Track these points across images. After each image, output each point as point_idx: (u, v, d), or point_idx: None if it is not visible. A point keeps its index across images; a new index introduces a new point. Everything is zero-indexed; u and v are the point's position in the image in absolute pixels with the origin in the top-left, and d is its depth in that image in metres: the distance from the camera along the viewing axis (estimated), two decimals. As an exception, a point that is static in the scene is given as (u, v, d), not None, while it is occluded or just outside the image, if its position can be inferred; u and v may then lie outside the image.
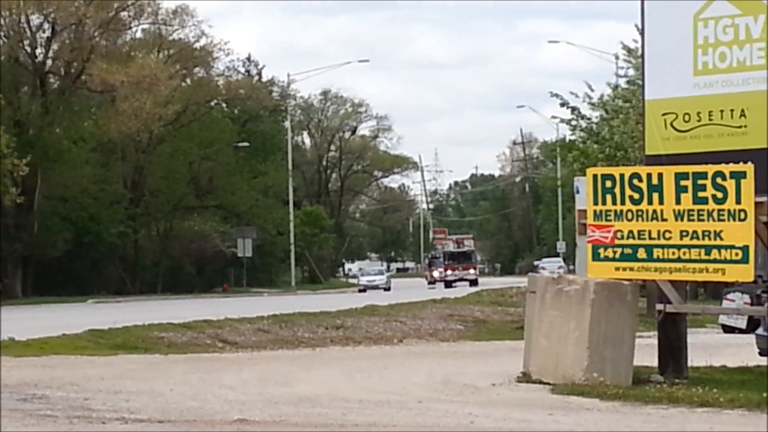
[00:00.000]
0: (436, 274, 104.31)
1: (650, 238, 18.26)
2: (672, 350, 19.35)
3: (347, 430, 13.23)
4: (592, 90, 47.35)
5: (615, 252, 18.62)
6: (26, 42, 74.49)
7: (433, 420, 14.33)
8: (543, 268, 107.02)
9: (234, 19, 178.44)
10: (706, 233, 17.68)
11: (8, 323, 31.56)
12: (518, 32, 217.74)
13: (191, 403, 15.86)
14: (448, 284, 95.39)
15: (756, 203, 17.40)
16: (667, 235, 18.07)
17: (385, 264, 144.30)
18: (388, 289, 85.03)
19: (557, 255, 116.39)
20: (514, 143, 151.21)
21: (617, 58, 52.83)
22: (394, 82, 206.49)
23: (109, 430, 13.08)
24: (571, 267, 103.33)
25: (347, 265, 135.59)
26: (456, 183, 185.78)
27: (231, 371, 20.88)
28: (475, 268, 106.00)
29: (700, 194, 17.70)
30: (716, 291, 30.30)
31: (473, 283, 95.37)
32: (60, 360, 22.21)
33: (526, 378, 18.95)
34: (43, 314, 42.18)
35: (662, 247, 18.15)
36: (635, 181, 18.45)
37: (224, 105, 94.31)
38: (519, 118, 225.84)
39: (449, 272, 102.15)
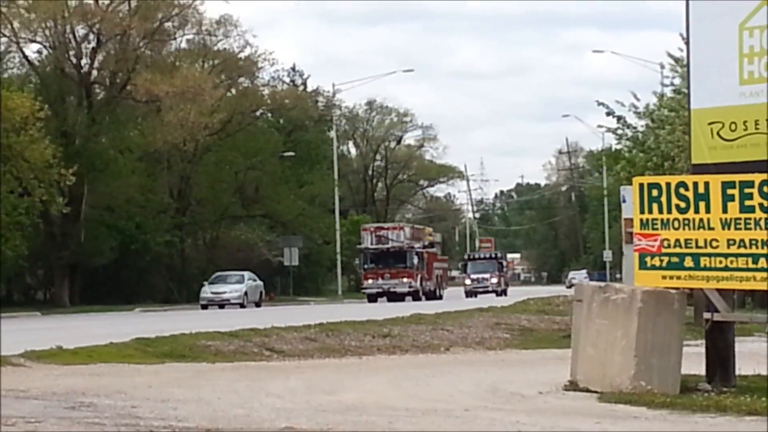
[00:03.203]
0: (468, 282, 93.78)
1: (697, 246, 18.22)
2: (719, 359, 19.28)
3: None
4: (638, 99, 47.23)
5: (662, 260, 18.58)
6: (72, 53, 74.86)
7: (480, 428, 14.35)
8: (573, 280, 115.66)
9: (275, 29, 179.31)
10: (753, 242, 17.63)
11: (56, 332, 31.77)
12: (558, 41, 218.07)
13: (238, 411, 15.93)
14: (469, 294, 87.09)
15: (804, 212, 17.37)
16: (714, 243, 18.03)
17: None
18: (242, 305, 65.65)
19: (584, 268, 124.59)
20: (560, 152, 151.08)
21: (662, 67, 52.74)
22: (436, 91, 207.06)
23: (157, 437, 13.16)
24: (584, 277, 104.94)
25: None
26: (501, 192, 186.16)
27: (278, 379, 20.91)
28: (501, 277, 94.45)
29: (747, 203, 17.66)
30: (764, 299, 30.19)
31: (499, 293, 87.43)
32: (107, 368, 22.27)
33: (573, 386, 18.93)
34: (90, 323, 42.36)
35: (709, 255, 18.10)
36: (681, 190, 18.41)
37: (269, 115, 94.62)
38: (562, 128, 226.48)
39: (470, 282, 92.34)
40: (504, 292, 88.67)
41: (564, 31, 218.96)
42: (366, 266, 75.05)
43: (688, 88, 20.02)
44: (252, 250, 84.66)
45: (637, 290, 18.69)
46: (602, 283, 21.71)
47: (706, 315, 19.30)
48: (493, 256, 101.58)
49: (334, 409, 16.17)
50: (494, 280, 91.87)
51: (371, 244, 75.05)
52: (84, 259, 71.17)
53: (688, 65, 20.46)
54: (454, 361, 26.49)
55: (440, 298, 75.94)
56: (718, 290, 18.79)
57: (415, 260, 74.65)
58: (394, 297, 71.11)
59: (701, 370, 19.21)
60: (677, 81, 44.72)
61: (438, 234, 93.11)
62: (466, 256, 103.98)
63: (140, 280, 74.79)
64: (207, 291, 65.32)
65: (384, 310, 46.35)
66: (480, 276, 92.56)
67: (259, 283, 69.56)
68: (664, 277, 18.58)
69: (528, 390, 19.00)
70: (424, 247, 78.85)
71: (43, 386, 18.71)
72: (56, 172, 59.05)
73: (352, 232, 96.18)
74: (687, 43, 20.12)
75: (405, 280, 72.70)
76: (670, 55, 47.15)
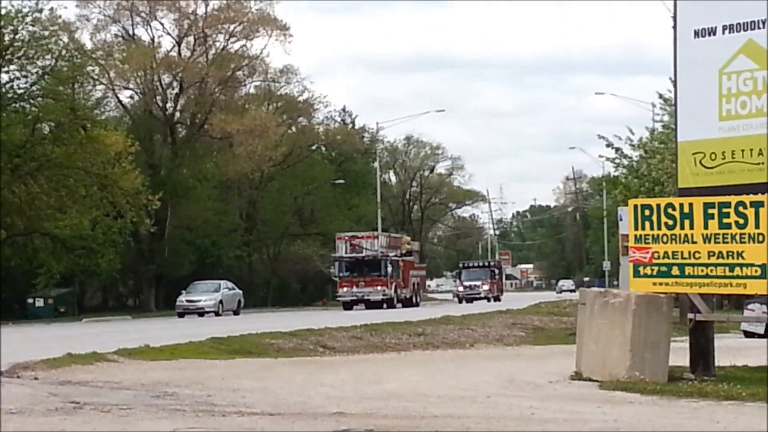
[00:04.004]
0: (460, 289, 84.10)
1: (682, 257, 18.15)
2: (701, 353, 19.18)
3: (427, 421, 13.22)
4: (633, 133, 47.24)
5: (653, 270, 18.50)
6: (158, 98, 75.38)
7: (500, 411, 14.29)
8: (564, 287, 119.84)
9: (329, 76, 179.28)
10: (730, 253, 17.55)
11: (143, 333, 31.84)
12: (567, 85, 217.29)
13: (297, 398, 15.90)
14: (462, 300, 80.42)
15: (774, 228, 17.26)
16: (697, 255, 17.95)
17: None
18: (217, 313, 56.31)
19: (570, 278, 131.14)
20: (567, 179, 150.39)
21: (654, 106, 52.51)
22: (463, 128, 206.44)
23: (228, 422, 13.15)
24: (571, 285, 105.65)
25: (427, 282, 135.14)
26: (518, 212, 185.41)
27: (330, 372, 20.89)
28: (494, 284, 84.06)
29: (725, 220, 17.58)
30: (738, 302, 29.99)
31: (490, 300, 78.12)
32: (187, 363, 22.31)
33: (578, 376, 18.84)
34: (173, 325, 42.45)
35: (692, 265, 18.03)
36: (670, 210, 18.36)
37: (323, 148, 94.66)
38: (570, 158, 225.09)
39: (463, 289, 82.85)
40: (497, 299, 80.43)
41: (571, 76, 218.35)
42: (341, 274, 65.27)
43: (676, 124, 19.94)
44: (308, 263, 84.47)
45: (631, 295, 18.61)
46: (602, 289, 21.60)
47: (690, 315, 19.22)
48: (487, 264, 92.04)
49: (377, 397, 16.12)
50: (486, 287, 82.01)
51: (345, 252, 65.85)
52: (167, 271, 71.47)
53: (675, 104, 20.36)
54: (477, 355, 26.43)
55: (417, 305, 67.26)
56: (700, 294, 18.73)
57: (390, 268, 64.76)
58: (371, 304, 62.23)
59: (686, 362, 19.11)
60: (666, 118, 44.64)
61: (416, 243, 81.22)
62: (460, 264, 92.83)
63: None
64: (183, 300, 56.93)
65: (367, 315, 46.06)
66: (473, 283, 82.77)
67: (237, 291, 60.95)
68: (654, 284, 18.51)
69: (540, 380, 18.92)
70: (401, 255, 68.79)
71: (133, 378, 18.77)
72: (145, 198, 59.21)
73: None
74: (675, 86, 20.05)
75: (379, 288, 63.21)
76: (661, 96, 47.09)
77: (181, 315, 55.08)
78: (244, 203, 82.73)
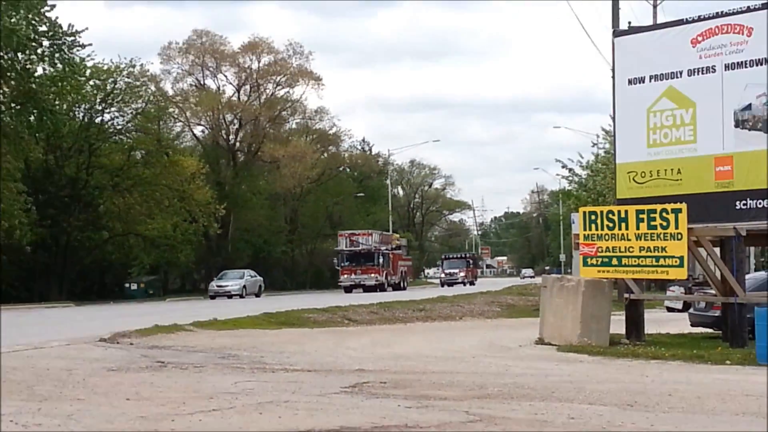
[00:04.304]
0: (442, 275, 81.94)
1: (620, 251, 18.16)
2: (634, 323, 19.20)
3: (427, 375, 13.25)
4: (582, 157, 47.82)
5: (597, 261, 18.52)
6: (223, 132, 75.48)
7: (481, 368, 14.31)
8: (526, 274, 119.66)
9: (352, 115, 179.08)
10: (656, 248, 17.56)
11: (212, 309, 31.94)
12: (532, 120, 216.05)
13: (328, 358, 15.95)
14: (444, 284, 76.46)
15: (688, 229, 17.26)
16: (631, 249, 17.96)
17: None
18: (241, 296, 53.07)
19: (531, 268, 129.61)
20: (532, 192, 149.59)
21: (598, 136, 52.42)
22: (454, 153, 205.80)
23: (276, 376, 13.19)
24: (531, 273, 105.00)
25: (426, 271, 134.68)
26: (495, 217, 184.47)
27: (353, 338, 20.96)
28: (469, 272, 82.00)
29: (652, 223, 17.60)
30: (663, 285, 29.95)
31: (466, 284, 76.11)
32: (245, 332, 22.40)
33: (541, 342, 18.88)
34: (235, 304, 42.57)
35: (627, 257, 18.05)
36: (610, 216, 18.38)
37: (348, 170, 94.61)
38: (534, 176, 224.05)
39: (445, 275, 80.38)
40: (472, 283, 77.35)
41: (535, 114, 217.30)
42: (342, 264, 61.87)
43: (614, 150, 19.97)
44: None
45: (581, 280, 18.64)
46: (559, 276, 21.65)
47: (626, 295, 19.29)
48: (464, 256, 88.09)
49: (388, 357, 16.16)
50: (462, 274, 79.63)
51: (345, 246, 62.38)
52: (230, 263, 71.34)
53: (614, 135, 20.39)
54: (465, 326, 26.47)
55: (404, 289, 63.65)
56: (634, 279, 18.76)
57: (381, 259, 61.83)
58: (366, 289, 59.57)
59: (623, 331, 19.15)
60: (607, 146, 44.54)
61: (404, 239, 75.86)
62: (443, 256, 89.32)
63: (266, 276, 75.04)
64: (213, 285, 55.02)
65: (364, 297, 46.03)
66: (452, 271, 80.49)
67: (258, 278, 57.85)
68: (599, 271, 18.53)
69: (512, 344, 18.94)
70: (392, 249, 65.64)
71: (204, 344, 18.84)
72: (213, 207, 59.48)
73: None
74: (614, 121, 20.11)
75: (372, 275, 60.51)
76: (603, 129, 46.98)
77: (212, 297, 52.50)
78: (288, 211, 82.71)
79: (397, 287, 63.46)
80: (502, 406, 9.98)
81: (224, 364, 14.83)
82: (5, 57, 42.90)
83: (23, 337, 19.67)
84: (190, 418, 9.16)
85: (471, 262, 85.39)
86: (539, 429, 8.58)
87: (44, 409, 9.77)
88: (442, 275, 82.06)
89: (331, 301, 36.34)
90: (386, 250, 64.10)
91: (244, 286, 54.42)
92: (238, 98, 76.16)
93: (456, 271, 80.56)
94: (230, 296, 52.38)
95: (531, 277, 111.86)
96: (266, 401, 10.32)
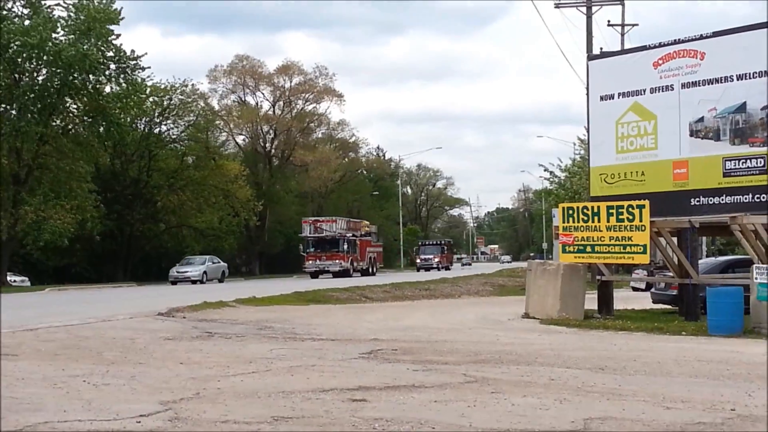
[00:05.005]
0: (418, 261, 73.07)
1: (593, 240, 18.13)
2: (605, 300, 19.19)
3: (431, 344, 13.27)
4: (561, 162, 47.61)
5: (574, 248, 18.50)
6: (260, 140, 75.43)
7: (477, 337, 14.33)
8: (504, 260, 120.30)
9: (369, 126, 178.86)
10: (623, 238, 17.54)
11: (252, 289, 31.96)
12: (519, 130, 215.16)
13: (348, 330, 15.99)
14: (419, 269, 68.92)
15: (650, 221, 17.22)
16: (602, 239, 17.93)
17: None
18: (203, 281, 44.74)
19: (509, 254, 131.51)
20: (519, 191, 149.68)
21: (574, 144, 52.46)
22: (454, 158, 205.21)
23: (305, 345, 13.23)
24: (510, 258, 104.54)
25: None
26: (488, 212, 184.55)
27: (369, 313, 21.00)
28: (443, 257, 73.00)
29: (620, 217, 17.56)
30: (629, 269, 29.89)
31: (441, 269, 68.57)
32: (278, 308, 22.49)
33: (526, 316, 18.88)
34: (270, 284, 42.66)
35: (599, 245, 18.02)
36: (585, 210, 18.35)
37: (365, 172, 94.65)
38: (521, 178, 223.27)
39: (420, 261, 71.94)
40: (447, 268, 69.74)
41: (521, 125, 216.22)
42: (307, 250, 52.72)
43: (588, 155, 19.92)
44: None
45: (561, 264, 18.61)
46: (542, 261, 21.62)
47: (598, 277, 19.25)
48: (439, 242, 78.11)
49: (398, 329, 16.19)
50: (437, 260, 71.04)
51: (309, 233, 53.29)
52: (267, 249, 71.65)
53: (588, 143, 20.34)
54: (463, 303, 26.48)
55: (373, 274, 55.53)
56: (605, 264, 18.73)
57: (346, 246, 52.75)
58: (334, 274, 50.98)
59: (595, 307, 19.11)
60: (582, 152, 44.46)
61: (374, 226, 65.17)
62: (420, 242, 79.54)
63: (297, 260, 75.23)
64: (173, 271, 45.64)
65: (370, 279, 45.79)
66: (427, 257, 71.92)
67: (222, 264, 49.16)
68: (575, 257, 18.50)
69: (503, 318, 18.94)
70: (360, 236, 56.50)
71: (245, 317, 18.91)
72: (252, 204, 59.61)
73: (408, 234, 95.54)
74: (588, 131, 20.04)
75: (337, 261, 51.69)
76: (579, 138, 46.95)
77: (173, 283, 43.96)
78: (315, 207, 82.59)
79: (365, 273, 55.46)
80: (494, 369, 10.00)
81: (261, 334, 14.89)
82: (79, 78, 43.22)
83: (94, 311, 19.78)
84: (233, 379, 9.21)
85: (446, 248, 76.31)
86: (525, 388, 8.59)
87: (111, 371, 9.84)
88: (418, 260, 73.23)
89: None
90: (352, 236, 55.01)
91: (205, 272, 45.85)
92: (273, 112, 76.18)
93: (431, 257, 72.14)
94: (193, 282, 44.14)
95: (508, 262, 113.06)
96: (296, 365, 10.37)
